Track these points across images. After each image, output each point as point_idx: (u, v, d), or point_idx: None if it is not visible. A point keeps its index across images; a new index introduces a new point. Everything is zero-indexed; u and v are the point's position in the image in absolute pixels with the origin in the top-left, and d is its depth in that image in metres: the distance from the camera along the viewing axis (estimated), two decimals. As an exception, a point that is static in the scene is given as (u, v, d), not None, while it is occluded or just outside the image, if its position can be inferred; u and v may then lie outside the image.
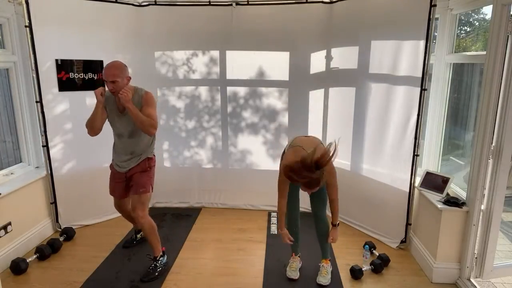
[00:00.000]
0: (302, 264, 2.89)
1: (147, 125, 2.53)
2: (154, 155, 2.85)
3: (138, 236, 3.21)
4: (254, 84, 3.80)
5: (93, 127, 2.62)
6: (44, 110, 3.22)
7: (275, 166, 3.94)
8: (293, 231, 2.71)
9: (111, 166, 2.88)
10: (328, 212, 2.63)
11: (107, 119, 2.72)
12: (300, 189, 2.31)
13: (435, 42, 3.13)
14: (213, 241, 3.34)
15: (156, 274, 2.74)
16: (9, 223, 2.93)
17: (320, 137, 3.82)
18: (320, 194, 2.51)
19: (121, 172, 2.78)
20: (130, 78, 2.61)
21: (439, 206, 2.64)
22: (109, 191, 2.91)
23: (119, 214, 3.89)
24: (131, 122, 2.62)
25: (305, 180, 2.07)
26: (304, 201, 3.04)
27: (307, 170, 2.03)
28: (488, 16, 2.62)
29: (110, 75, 2.49)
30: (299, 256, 2.87)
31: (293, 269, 2.79)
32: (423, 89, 2.85)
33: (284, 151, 2.65)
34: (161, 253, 2.83)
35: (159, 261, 2.80)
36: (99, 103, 2.59)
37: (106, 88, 2.60)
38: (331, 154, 2.03)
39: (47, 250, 3.00)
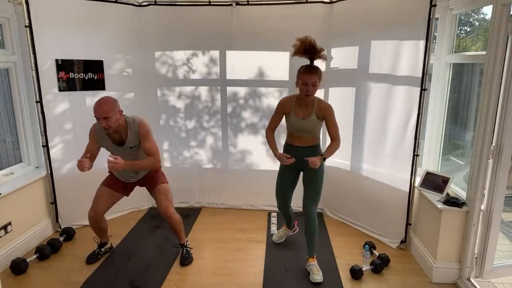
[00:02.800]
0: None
1: (153, 165, 2.66)
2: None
3: (103, 249, 3.06)
4: (254, 84, 3.79)
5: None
6: (44, 110, 3.22)
7: (275, 166, 3.93)
8: (287, 208, 3.03)
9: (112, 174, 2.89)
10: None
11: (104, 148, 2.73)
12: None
13: (435, 42, 3.13)
14: (213, 241, 3.34)
15: (192, 256, 3.00)
16: (9, 223, 2.93)
17: (320, 137, 3.82)
18: (313, 181, 2.75)
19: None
20: (121, 111, 2.56)
21: (439, 206, 2.64)
22: (103, 182, 2.87)
23: (119, 214, 3.90)
24: (132, 152, 2.65)
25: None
26: (298, 201, 3.04)
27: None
28: (488, 16, 2.62)
29: (101, 112, 2.45)
30: (290, 228, 3.26)
31: (279, 235, 3.27)
32: (423, 89, 2.85)
33: None
34: (186, 239, 3.07)
35: (188, 245, 3.04)
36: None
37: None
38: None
39: (47, 250, 3.00)
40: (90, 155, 2.57)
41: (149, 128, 2.67)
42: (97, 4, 3.37)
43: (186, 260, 2.94)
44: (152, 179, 2.87)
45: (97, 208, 2.82)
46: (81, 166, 2.43)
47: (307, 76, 2.61)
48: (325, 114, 2.68)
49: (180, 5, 3.63)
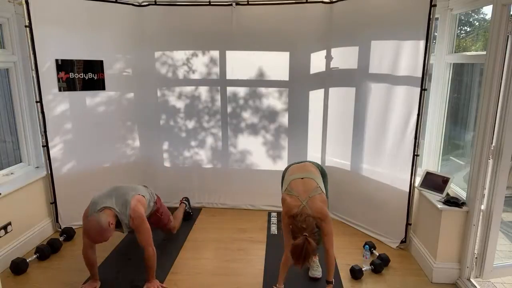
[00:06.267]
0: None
1: (152, 258, 2.59)
2: (156, 196, 3.00)
3: None
4: (254, 84, 3.80)
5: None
6: (44, 110, 3.22)
7: (275, 166, 3.96)
8: None
9: None
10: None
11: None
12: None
13: (435, 42, 3.13)
14: (213, 241, 3.34)
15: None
16: (9, 223, 2.93)
17: (320, 137, 3.83)
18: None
19: None
20: (111, 231, 2.42)
21: (439, 206, 2.64)
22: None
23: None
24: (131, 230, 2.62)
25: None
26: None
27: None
28: (488, 16, 2.62)
29: (91, 239, 2.37)
30: None
31: None
32: (423, 89, 2.85)
33: (283, 176, 2.67)
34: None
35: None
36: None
37: None
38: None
39: (47, 250, 3.00)
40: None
41: (141, 216, 2.54)
42: (97, 4, 3.38)
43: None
44: (157, 222, 3.04)
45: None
46: None
47: None
48: None
49: (180, 5, 3.63)
